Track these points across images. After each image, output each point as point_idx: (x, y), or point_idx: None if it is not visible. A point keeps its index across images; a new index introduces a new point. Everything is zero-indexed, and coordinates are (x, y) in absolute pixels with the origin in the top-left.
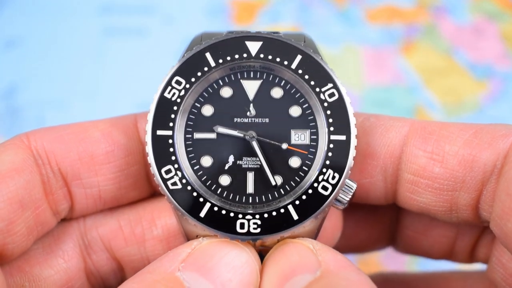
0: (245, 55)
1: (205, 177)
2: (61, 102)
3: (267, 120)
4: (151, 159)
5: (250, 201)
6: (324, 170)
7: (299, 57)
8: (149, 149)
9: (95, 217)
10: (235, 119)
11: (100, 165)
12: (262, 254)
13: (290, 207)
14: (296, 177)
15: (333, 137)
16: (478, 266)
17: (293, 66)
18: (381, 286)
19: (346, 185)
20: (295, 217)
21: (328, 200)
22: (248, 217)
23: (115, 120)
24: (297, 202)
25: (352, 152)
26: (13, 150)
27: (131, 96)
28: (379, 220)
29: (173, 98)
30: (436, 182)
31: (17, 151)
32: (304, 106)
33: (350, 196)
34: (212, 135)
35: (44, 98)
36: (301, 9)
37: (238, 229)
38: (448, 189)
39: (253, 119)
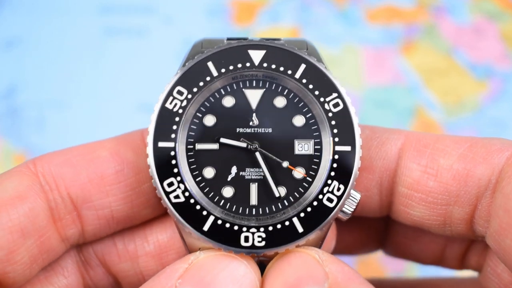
0: (248, 64)
1: (207, 188)
2: (61, 102)
3: (270, 130)
4: (153, 171)
5: (254, 213)
6: (329, 181)
7: (303, 66)
8: (150, 161)
9: None
10: (238, 129)
11: (110, 186)
12: (264, 263)
13: (295, 220)
14: (300, 188)
15: (338, 147)
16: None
17: (297, 75)
18: None
19: (351, 196)
20: (300, 229)
21: (333, 212)
22: (253, 230)
23: (122, 137)
24: (302, 215)
25: (357, 163)
26: (18, 177)
27: (131, 96)
28: (368, 224)
29: (175, 109)
30: (430, 196)
31: (22, 178)
32: (307, 116)
33: (354, 207)
34: (215, 146)
35: (44, 98)
36: (301, 9)
37: (243, 243)
38: (442, 203)
39: (256, 129)
